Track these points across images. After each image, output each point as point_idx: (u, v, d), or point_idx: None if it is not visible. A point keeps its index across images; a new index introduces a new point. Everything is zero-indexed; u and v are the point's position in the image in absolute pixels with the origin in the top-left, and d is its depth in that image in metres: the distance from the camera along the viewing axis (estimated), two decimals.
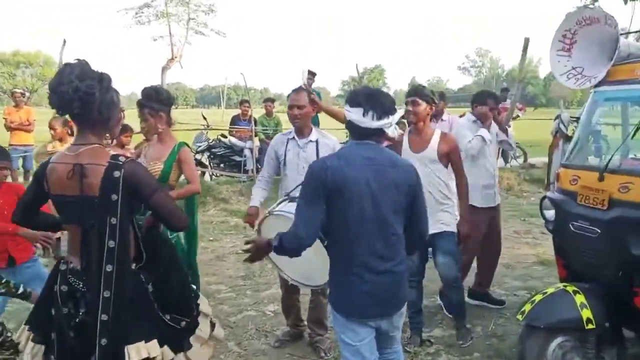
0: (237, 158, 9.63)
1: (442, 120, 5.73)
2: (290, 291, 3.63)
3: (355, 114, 2.22)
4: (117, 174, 1.98)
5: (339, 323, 2.28)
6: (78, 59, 2.02)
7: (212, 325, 2.48)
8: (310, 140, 3.40)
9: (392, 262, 2.23)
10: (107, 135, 2.28)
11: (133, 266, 2.13)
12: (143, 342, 2.04)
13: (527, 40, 8.75)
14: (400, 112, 2.31)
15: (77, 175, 1.99)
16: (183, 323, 2.25)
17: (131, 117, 5.37)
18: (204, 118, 10.61)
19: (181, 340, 2.25)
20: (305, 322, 3.77)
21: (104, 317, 2.00)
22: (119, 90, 2.13)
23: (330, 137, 3.53)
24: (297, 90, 3.43)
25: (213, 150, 9.81)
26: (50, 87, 1.98)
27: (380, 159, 2.23)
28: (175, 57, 16.35)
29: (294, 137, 3.45)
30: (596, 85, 3.32)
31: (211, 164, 9.91)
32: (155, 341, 2.09)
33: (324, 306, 3.58)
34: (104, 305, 2.00)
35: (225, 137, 10.05)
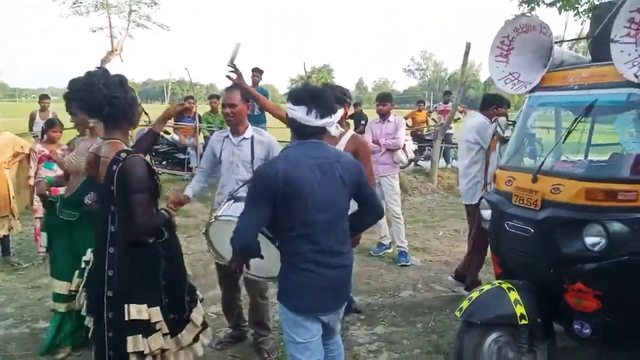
0: (181, 155, 9.39)
1: (388, 121, 5.81)
2: (230, 289, 3.57)
3: (299, 112, 2.22)
4: (114, 167, 2.30)
5: (289, 322, 2.28)
6: (98, 67, 2.42)
7: (196, 339, 2.65)
8: (245, 138, 3.34)
9: (343, 255, 2.30)
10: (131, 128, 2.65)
11: (151, 240, 2.42)
12: (146, 305, 2.35)
13: (468, 45, 9.08)
14: (341, 111, 2.33)
15: (96, 165, 2.41)
16: (171, 316, 2.47)
17: (64, 112, 5.10)
18: (146, 114, 10.24)
19: (174, 325, 2.49)
20: (248, 324, 3.72)
21: (109, 293, 2.35)
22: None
23: (265, 134, 3.47)
24: (229, 89, 3.34)
25: (155, 147, 9.51)
26: (80, 96, 2.36)
27: (326, 157, 2.26)
28: (116, 50, 15.73)
29: (228, 135, 3.39)
30: (531, 91, 3.47)
31: (153, 161, 9.60)
32: (158, 308, 2.38)
33: (264, 307, 3.55)
34: (109, 282, 2.35)
35: (169, 133, 9.77)
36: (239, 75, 3.29)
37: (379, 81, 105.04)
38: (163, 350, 2.47)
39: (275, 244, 2.32)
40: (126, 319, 2.33)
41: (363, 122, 11.26)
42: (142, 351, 2.36)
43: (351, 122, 12.18)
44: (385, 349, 3.64)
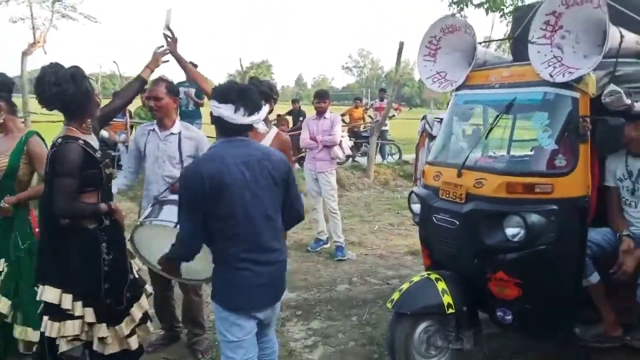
0: (111, 153, 8.99)
1: (324, 118, 5.85)
2: (161, 288, 3.46)
3: (226, 111, 2.19)
4: (50, 152, 2.48)
5: (223, 320, 2.25)
6: (51, 63, 2.46)
7: (132, 333, 2.72)
8: (172, 133, 3.24)
9: (277, 252, 2.30)
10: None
11: (92, 226, 2.53)
12: (60, 290, 2.46)
13: (401, 44, 9.32)
14: (266, 107, 2.34)
15: None
16: (108, 301, 2.56)
17: None
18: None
19: (110, 315, 2.58)
20: (181, 324, 3.63)
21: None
22: None
23: (194, 130, 3.40)
24: (155, 82, 3.25)
25: None
26: (35, 92, 2.47)
27: (254, 154, 2.24)
28: (38, 42, 14.76)
29: (154, 129, 3.28)
30: (457, 89, 3.61)
31: None
32: (70, 295, 2.46)
33: (198, 305, 3.47)
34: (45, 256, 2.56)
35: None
36: (175, 40, 3.21)
37: (319, 78, 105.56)
38: (101, 338, 2.57)
39: (208, 245, 2.29)
40: (37, 298, 2.50)
41: (302, 118, 11.28)
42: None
43: (290, 118, 12.19)
44: (321, 343, 3.68)
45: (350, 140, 10.55)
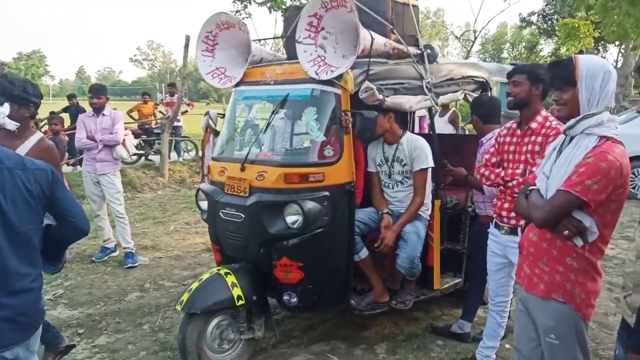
0: None
1: (103, 114, 5.38)
2: None
3: None
4: None
5: None
6: None
7: None
8: None
9: (29, 278, 1.96)
10: None
11: None
12: None
13: (187, 38, 9.11)
14: (7, 106, 2.04)
15: None
16: None
17: None
18: None
19: None
20: None
21: None
22: None
23: None
24: None
25: None
26: None
27: (2, 162, 1.90)
28: None
29: None
30: (236, 85, 3.67)
31: None
32: None
33: None
34: None
35: None
36: None
37: (104, 70, 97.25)
38: None
39: None
40: None
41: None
42: None
43: (67, 115, 10.92)
44: (108, 359, 3.40)
45: (138, 138, 9.99)
